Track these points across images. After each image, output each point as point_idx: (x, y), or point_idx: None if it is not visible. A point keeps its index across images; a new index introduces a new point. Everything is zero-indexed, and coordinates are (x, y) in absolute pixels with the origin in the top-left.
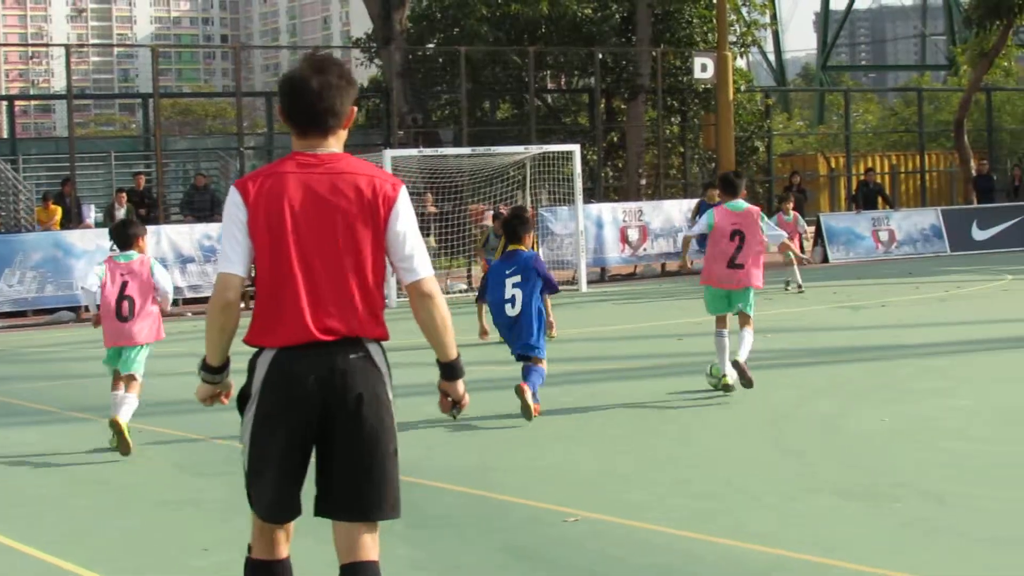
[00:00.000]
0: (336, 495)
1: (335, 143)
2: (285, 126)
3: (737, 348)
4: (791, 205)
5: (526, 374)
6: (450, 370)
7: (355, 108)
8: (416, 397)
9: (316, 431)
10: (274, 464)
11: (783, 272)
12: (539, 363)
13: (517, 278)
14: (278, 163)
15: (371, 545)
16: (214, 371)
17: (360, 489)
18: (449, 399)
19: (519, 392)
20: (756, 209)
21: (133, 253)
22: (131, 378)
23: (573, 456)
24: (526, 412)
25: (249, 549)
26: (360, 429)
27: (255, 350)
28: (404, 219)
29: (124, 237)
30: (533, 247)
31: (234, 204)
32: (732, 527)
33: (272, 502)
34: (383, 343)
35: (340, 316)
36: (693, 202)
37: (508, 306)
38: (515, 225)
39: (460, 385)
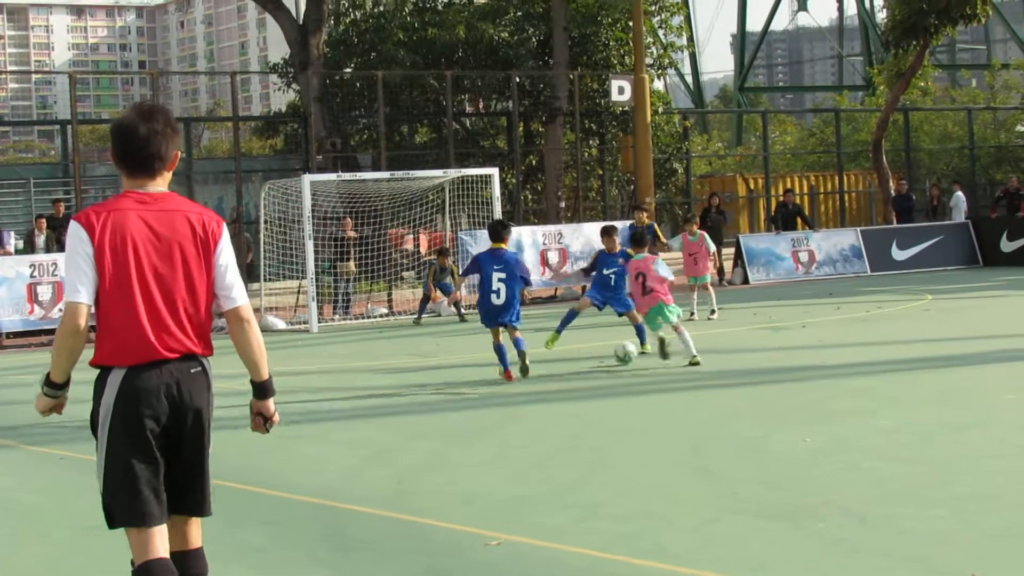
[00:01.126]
0: (178, 494)
1: (162, 183)
2: (202, 152)
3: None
4: (696, 226)
5: (503, 355)
6: (262, 390)
7: (179, 152)
8: (331, 423)
9: (164, 438)
10: (136, 472)
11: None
12: (515, 332)
13: (503, 274)
14: (115, 200)
15: (199, 535)
16: (57, 387)
17: (197, 489)
18: (260, 417)
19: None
20: (652, 257)
21: None
22: None
23: (490, 480)
24: (523, 372)
25: (132, 564)
26: (200, 436)
27: (100, 370)
28: (227, 253)
29: None
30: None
31: (78, 238)
32: (653, 549)
33: (139, 507)
34: (208, 359)
35: (179, 336)
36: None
37: (494, 296)
38: (498, 228)
39: (271, 403)
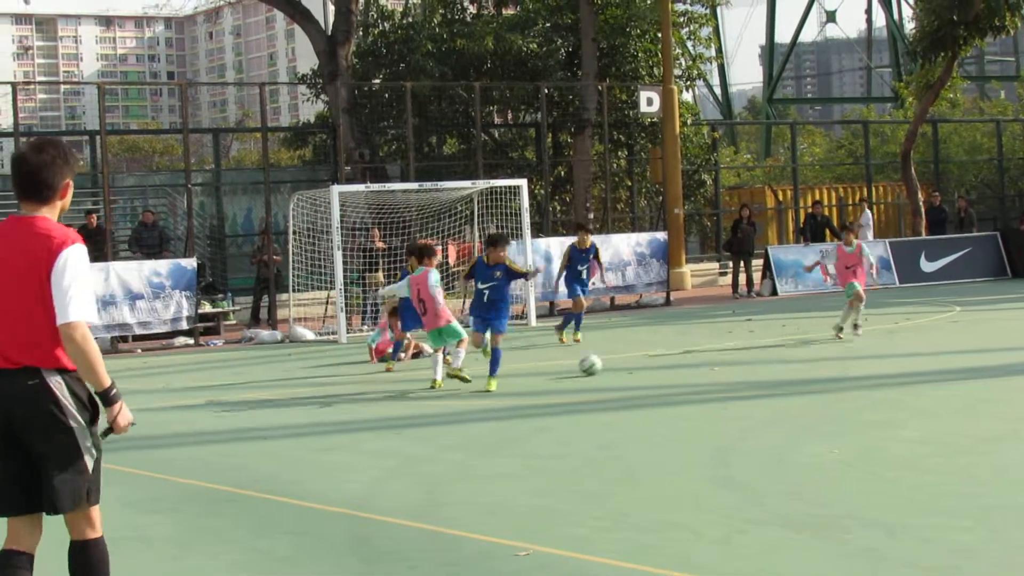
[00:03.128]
0: (35, 492)
1: (49, 211)
2: (231, 162)
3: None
4: (853, 235)
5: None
6: (103, 398)
7: (70, 183)
8: (359, 433)
9: (12, 441)
10: None
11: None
12: (498, 342)
13: (502, 279)
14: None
15: (86, 527)
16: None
17: (47, 488)
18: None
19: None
20: (427, 271)
21: None
22: None
23: (519, 491)
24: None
25: None
26: (42, 442)
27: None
28: (69, 271)
29: None
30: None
31: None
32: (678, 559)
33: None
34: (67, 371)
35: (18, 349)
36: (644, 236)
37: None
38: (497, 240)
39: (113, 410)
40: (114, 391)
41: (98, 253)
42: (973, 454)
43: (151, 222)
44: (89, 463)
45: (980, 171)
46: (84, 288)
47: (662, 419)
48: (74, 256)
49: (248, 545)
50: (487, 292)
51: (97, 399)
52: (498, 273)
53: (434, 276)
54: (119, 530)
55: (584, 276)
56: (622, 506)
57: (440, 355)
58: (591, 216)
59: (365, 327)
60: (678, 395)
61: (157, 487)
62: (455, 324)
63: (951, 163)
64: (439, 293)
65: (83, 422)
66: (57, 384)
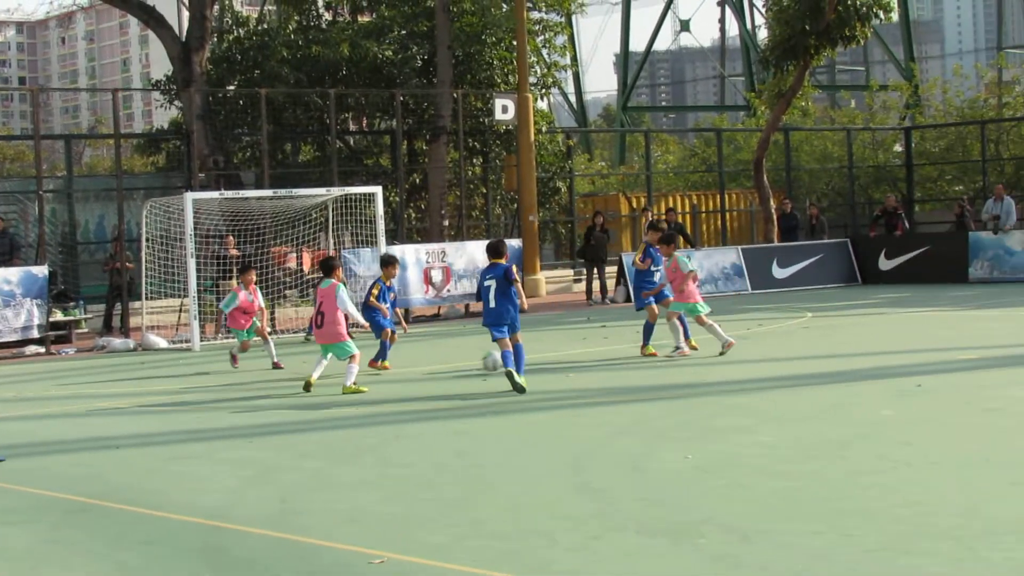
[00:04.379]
0: None
1: None
2: (84, 169)
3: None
4: (671, 248)
5: (506, 359)
6: None
7: None
8: (214, 442)
9: None
10: None
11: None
12: (517, 339)
13: (493, 282)
14: None
15: None
16: None
17: None
18: None
19: (509, 376)
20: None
21: None
22: None
23: (375, 499)
24: (518, 389)
25: None
26: None
27: None
28: None
29: None
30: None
31: None
32: (537, 566)
33: None
34: None
35: None
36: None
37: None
38: (498, 246)
39: None
40: None
41: None
42: (825, 458)
43: (1, 229)
44: None
45: (831, 179)
46: None
47: (518, 425)
48: None
49: (103, 556)
50: (492, 297)
51: None
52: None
53: (343, 291)
54: None
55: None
56: (479, 513)
57: (325, 360)
58: (446, 223)
59: (219, 335)
60: (534, 402)
61: (9, 498)
62: (349, 343)
63: (803, 171)
64: (350, 307)
65: None
66: None
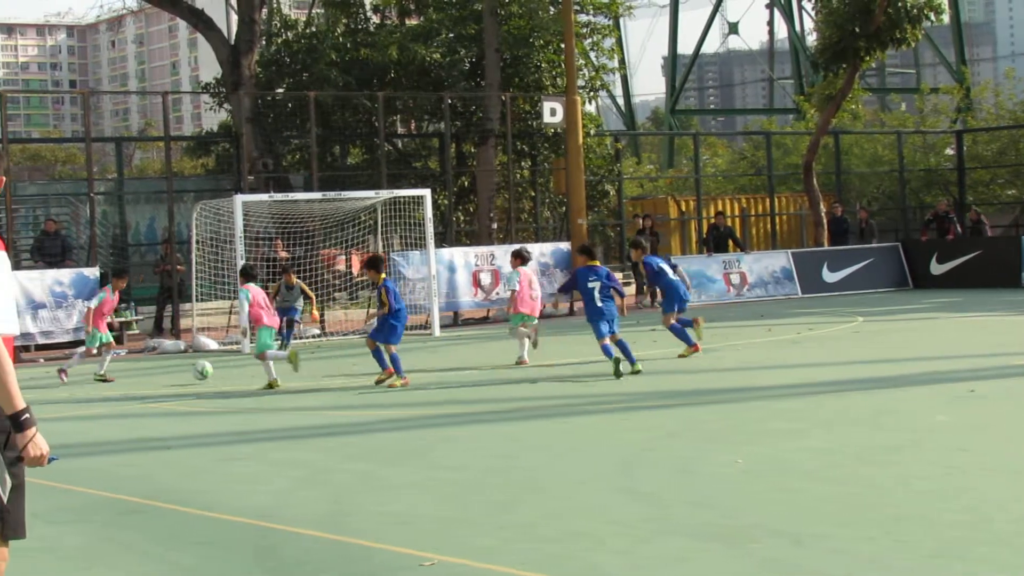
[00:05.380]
0: None
1: None
2: (134, 171)
3: None
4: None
5: (609, 351)
6: (13, 422)
7: (3, 178)
8: (264, 443)
9: None
10: None
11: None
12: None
13: (598, 284)
14: None
15: None
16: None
17: None
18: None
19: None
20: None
21: None
22: None
23: (424, 501)
24: (636, 372)
25: None
26: None
27: None
28: None
29: None
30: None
31: None
32: (585, 570)
33: None
34: None
35: None
36: (547, 246)
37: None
38: (589, 248)
39: (24, 437)
40: (26, 416)
41: None
42: (876, 464)
43: (53, 231)
44: (3, 493)
45: (881, 183)
46: (0, 299)
47: (565, 429)
48: None
49: (155, 556)
50: (599, 297)
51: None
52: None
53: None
54: (25, 541)
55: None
56: (527, 516)
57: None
58: (495, 226)
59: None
60: (582, 405)
61: (62, 498)
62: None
63: (852, 174)
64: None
65: None
66: None
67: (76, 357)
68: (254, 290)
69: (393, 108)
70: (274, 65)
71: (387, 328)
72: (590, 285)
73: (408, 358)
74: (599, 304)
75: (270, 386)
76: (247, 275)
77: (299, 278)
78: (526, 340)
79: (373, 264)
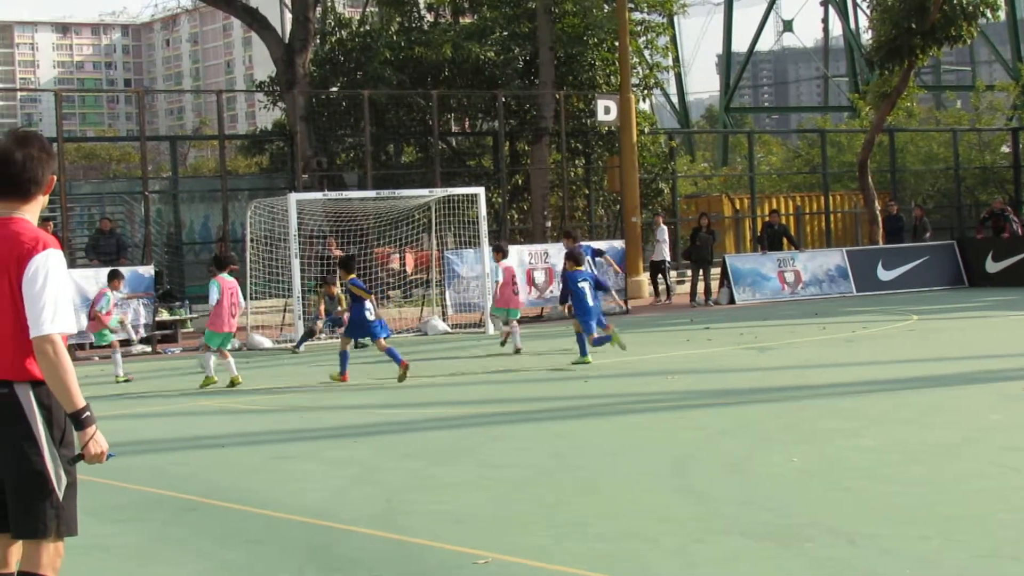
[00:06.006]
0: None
1: (34, 207)
2: (188, 170)
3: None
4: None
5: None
6: (74, 420)
7: (54, 176)
8: (317, 441)
9: None
10: None
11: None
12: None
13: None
14: None
15: (14, 559)
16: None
17: (16, 510)
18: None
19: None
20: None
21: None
22: None
23: (477, 499)
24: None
25: None
26: (8, 458)
27: None
28: (37, 278)
29: None
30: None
31: None
32: (638, 569)
33: None
34: (41, 384)
35: None
36: (600, 243)
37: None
38: (575, 254)
39: (85, 434)
40: (87, 414)
41: None
42: (931, 463)
43: (108, 229)
44: (59, 490)
45: (936, 180)
46: (57, 297)
47: (619, 428)
48: (46, 262)
49: (210, 554)
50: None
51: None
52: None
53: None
54: (80, 539)
55: None
56: (580, 515)
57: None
58: (548, 224)
59: (323, 335)
60: (635, 404)
61: (117, 496)
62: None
63: (907, 172)
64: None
65: (53, 442)
66: (26, 397)
67: (117, 357)
68: (227, 284)
69: (447, 106)
70: (328, 64)
71: (363, 323)
72: (580, 285)
73: (461, 356)
74: (590, 303)
75: (206, 383)
76: (220, 264)
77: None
78: (516, 331)
79: (345, 264)
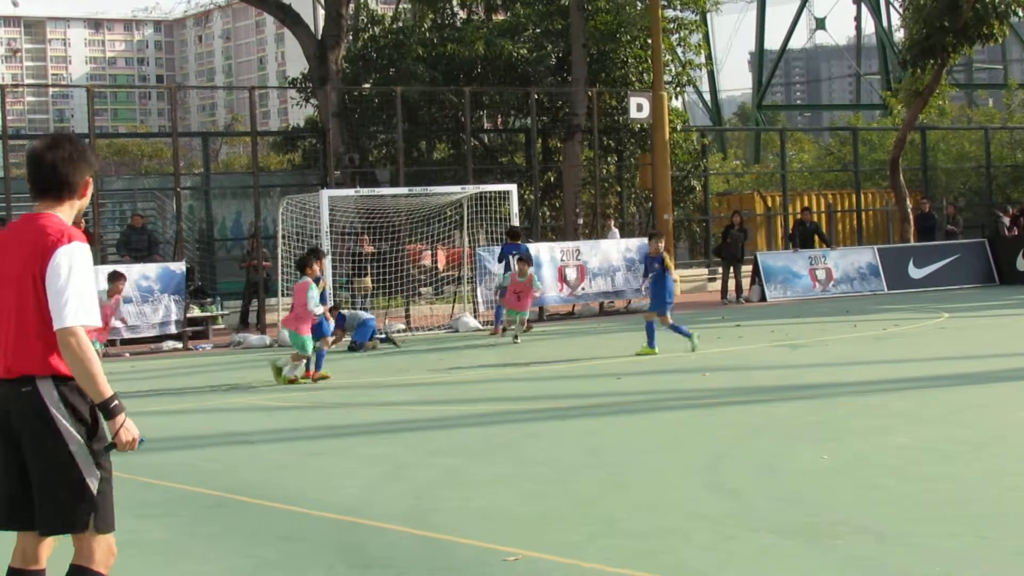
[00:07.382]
0: (30, 509)
1: (66, 209)
2: (220, 166)
3: None
4: (528, 265)
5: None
6: (103, 411)
7: (90, 180)
8: (348, 438)
9: (14, 453)
10: None
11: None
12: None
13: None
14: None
15: (42, 556)
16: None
17: (42, 506)
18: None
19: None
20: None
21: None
22: None
23: (509, 496)
24: None
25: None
26: (40, 455)
27: None
28: (61, 271)
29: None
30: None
31: None
32: (671, 566)
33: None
34: (64, 379)
35: (14, 356)
36: (633, 241)
37: None
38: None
39: (115, 423)
40: (115, 403)
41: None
42: (961, 460)
43: (140, 225)
44: (92, 484)
45: (968, 179)
46: (81, 290)
47: (651, 425)
48: (69, 255)
49: (239, 550)
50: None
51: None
52: (656, 265)
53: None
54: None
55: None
56: (612, 512)
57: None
58: (580, 222)
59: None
60: (667, 401)
61: (147, 492)
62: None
63: (939, 170)
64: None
65: (80, 436)
66: (49, 392)
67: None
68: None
69: (479, 103)
70: (361, 60)
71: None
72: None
73: (493, 353)
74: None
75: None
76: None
77: (384, 273)
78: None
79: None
